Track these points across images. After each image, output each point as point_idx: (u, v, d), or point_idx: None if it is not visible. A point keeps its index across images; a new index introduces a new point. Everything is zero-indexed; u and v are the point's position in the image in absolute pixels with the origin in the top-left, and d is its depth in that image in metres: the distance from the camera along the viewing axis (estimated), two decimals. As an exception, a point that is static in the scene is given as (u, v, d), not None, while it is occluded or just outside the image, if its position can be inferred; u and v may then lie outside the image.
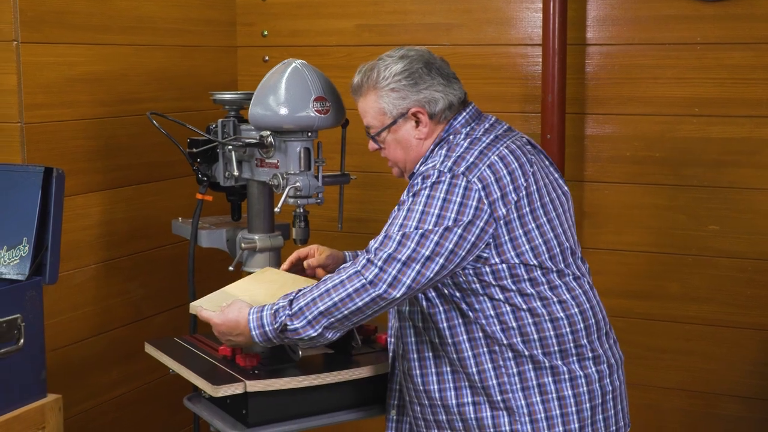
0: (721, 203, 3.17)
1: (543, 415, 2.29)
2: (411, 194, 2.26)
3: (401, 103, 2.38)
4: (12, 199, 2.55)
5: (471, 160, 2.26)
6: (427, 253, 2.18)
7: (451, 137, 2.37)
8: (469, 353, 2.30)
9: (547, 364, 2.29)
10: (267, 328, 2.27)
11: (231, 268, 2.87)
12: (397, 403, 2.49)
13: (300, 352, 2.54)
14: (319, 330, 2.23)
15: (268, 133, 2.73)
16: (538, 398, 2.29)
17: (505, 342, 2.28)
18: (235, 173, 2.84)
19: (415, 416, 2.42)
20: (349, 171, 2.92)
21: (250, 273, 2.89)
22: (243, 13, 3.74)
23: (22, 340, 2.46)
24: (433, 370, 2.35)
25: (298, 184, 2.67)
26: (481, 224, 2.22)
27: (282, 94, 2.66)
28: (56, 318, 2.94)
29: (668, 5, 3.17)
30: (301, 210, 2.76)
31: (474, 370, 2.30)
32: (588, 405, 2.32)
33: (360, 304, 2.19)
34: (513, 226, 2.26)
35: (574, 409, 2.30)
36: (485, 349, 2.30)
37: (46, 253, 2.52)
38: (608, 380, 2.36)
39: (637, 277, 3.32)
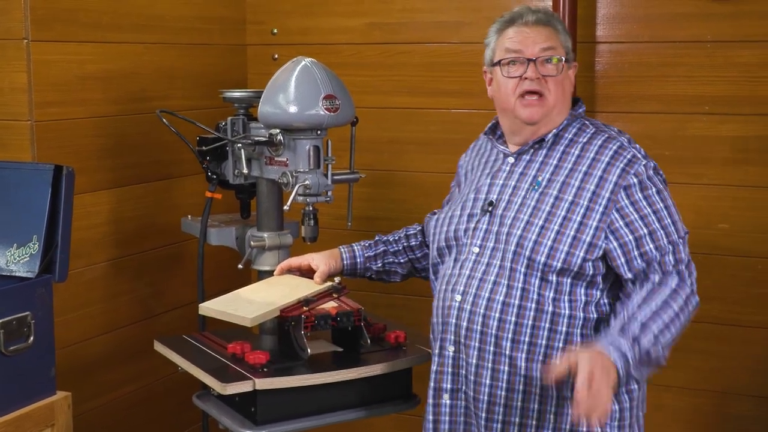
0: (731, 202, 3.16)
1: (627, 422, 2.37)
2: (654, 191, 2.33)
3: (571, 50, 2.45)
4: (22, 196, 2.56)
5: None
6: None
7: (587, 121, 2.45)
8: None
9: None
10: (629, 359, 2.13)
11: (240, 266, 2.87)
12: (450, 387, 2.42)
13: (309, 350, 2.54)
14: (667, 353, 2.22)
15: (278, 131, 2.73)
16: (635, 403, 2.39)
17: None
18: (245, 171, 2.84)
19: (504, 403, 2.34)
20: (358, 169, 2.92)
21: (258, 271, 2.89)
22: (253, 11, 3.74)
23: (31, 338, 2.46)
24: (541, 359, 2.32)
25: (307, 182, 2.67)
26: None
27: (291, 92, 2.66)
28: (66, 315, 2.94)
29: (678, 3, 3.16)
30: (311, 208, 2.76)
31: None
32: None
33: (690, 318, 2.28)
34: None
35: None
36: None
37: (56, 250, 2.53)
38: None
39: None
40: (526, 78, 2.36)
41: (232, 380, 2.44)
